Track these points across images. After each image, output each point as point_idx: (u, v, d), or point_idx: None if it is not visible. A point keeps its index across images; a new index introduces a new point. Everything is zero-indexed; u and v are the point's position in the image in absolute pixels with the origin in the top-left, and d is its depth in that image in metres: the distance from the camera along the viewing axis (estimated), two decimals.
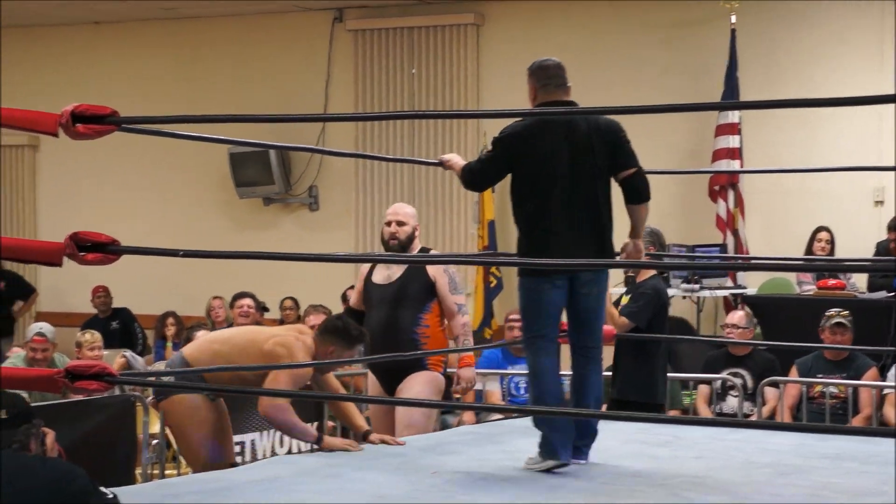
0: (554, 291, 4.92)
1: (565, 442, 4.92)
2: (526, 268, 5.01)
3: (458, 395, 6.82)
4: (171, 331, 10.56)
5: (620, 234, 5.07)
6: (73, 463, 3.90)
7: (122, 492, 3.93)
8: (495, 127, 11.17)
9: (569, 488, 4.69)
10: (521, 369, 8.01)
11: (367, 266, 6.54)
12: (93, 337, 8.44)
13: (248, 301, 9.66)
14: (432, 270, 6.33)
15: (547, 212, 4.88)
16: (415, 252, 6.42)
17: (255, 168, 11.48)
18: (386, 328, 6.27)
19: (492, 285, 10.60)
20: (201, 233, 11.53)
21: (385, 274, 6.41)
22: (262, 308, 10.33)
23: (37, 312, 11.82)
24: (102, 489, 3.79)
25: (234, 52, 11.86)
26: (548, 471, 4.88)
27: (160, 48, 12.13)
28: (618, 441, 5.64)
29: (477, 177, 5.12)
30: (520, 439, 5.64)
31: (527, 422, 6.10)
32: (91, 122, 4.15)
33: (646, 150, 5.25)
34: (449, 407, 7.33)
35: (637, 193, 5.02)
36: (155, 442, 6.54)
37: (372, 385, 6.47)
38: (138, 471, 6.32)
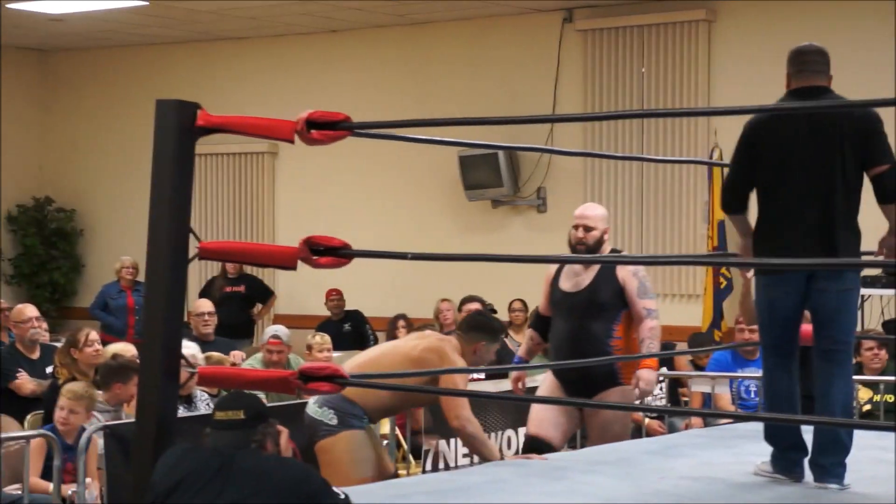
0: (784, 295, 4.64)
1: (799, 458, 4.73)
2: (759, 267, 4.80)
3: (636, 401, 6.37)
4: (402, 333, 10.74)
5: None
6: (306, 463, 4.00)
7: (351, 491, 4.01)
8: (726, 125, 11.01)
9: (801, 495, 4.57)
10: (752, 372, 7.85)
11: (552, 270, 6.25)
12: (322, 339, 8.65)
13: (475, 306, 9.71)
14: (622, 274, 6.03)
15: (777, 205, 4.64)
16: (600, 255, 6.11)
17: (484, 170, 11.56)
18: (576, 339, 6.02)
19: (721, 286, 10.38)
20: (431, 236, 11.69)
21: (573, 281, 6.11)
22: (490, 310, 10.41)
23: (274, 315, 12.19)
24: (335, 489, 3.87)
25: (464, 54, 11.98)
26: None
27: (392, 54, 12.35)
28: (856, 448, 5.46)
29: (728, 185, 4.78)
30: (750, 444, 5.51)
31: (758, 426, 5.98)
32: (325, 128, 4.25)
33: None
34: (654, 411, 7.08)
35: (885, 192, 4.65)
36: (385, 442, 6.65)
37: (552, 391, 6.17)
38: None
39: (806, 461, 4.74)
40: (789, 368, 4.73)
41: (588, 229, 6.12)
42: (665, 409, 4.57)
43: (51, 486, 5.50)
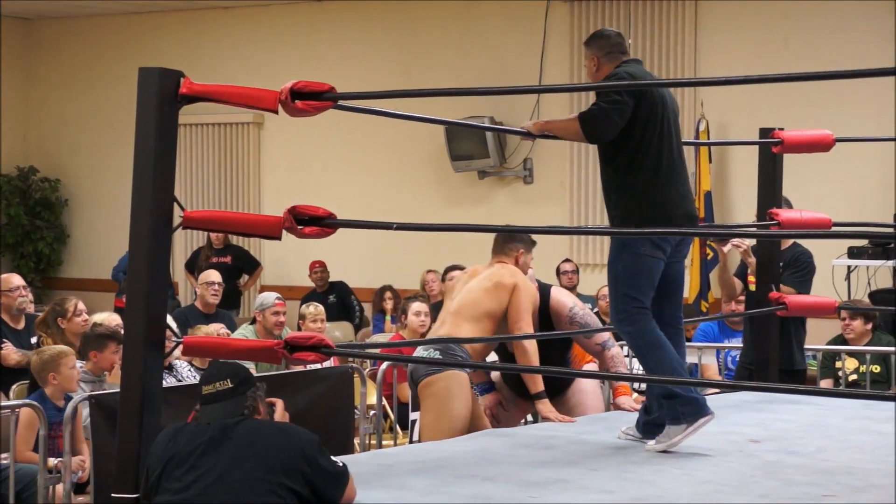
0: (659, 263, 4.78)
1: (703, 396, 4.78)
2: (641, 236, 4.72)
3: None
4: (389, 304, 10.72)
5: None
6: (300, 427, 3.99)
7: (336, 458, 4.00)
8: (712, 96, 11.01)
9: (786, 464, 4.59)
10: (738, 342, 7.87)
11: None
12: (316, 310, 8.62)
13: (458, 273, 9.65)
14: (556, 321, 6.05)
15: (662, 175, 4.72)
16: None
17: (470, 142, 11.53)
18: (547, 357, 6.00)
19: (708, 257, 10.40)
20: (417, 207, 11.67)
21: None
22: None
23: (261, 286, 12.17)
24: (333, 458, 3.88)
25: (451, 25, 11.92)
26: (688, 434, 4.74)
27: (379, 24, 12.28)
28: (842, 417, 5.50)
29: (608, 116, 4.66)
30: (737, 414, 5.56)
31: (741, 396, 6.02)
32: (309, 99, 4.23)
33: None
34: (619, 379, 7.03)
35: None
36: (372, 413, 6.65)
37: (515, 406, 6.27)
38: (356, 440, 6.45)
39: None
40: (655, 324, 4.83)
41: None
42: (646, 378, 4.57)
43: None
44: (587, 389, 6.23)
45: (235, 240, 11.83)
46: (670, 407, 4.73)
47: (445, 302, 6.11)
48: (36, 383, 6.34)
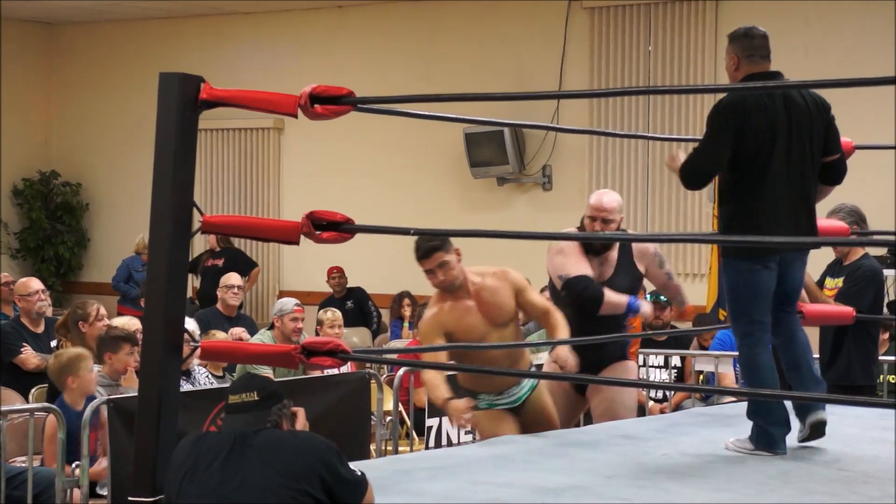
0: (767, 274, 4.73)
1: (784, 434, 4.81)
2: (738, 249, 4.76)
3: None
4: (407, 311, 10.71)
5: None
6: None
7: (354, 466, 4.02)
8: None
9: (801, 473, 4.58)
10: None
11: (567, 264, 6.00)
12: (334, 315, 8.64)
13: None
14: (640, 261, 6.05)
15: (767, 191, 4.67)
16: (616, 247, 6.02)
17: (489, 148, 11.54)
18: (597, 329, 5.86)
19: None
20: (436, 213, 11.68)
21: (594, 273, 5.96)
22: None
23: (280, 291, 12.18)
24: (351, 466, 3.88)
25: (471, 31, 11.94)
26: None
27: (399, 29, 12.32)
28: (859, 427, 5.48)
29: (699, 161, 4.71)
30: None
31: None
32: (328, 103, 4.24)
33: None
34: (659, 387, 7.11)
35: (838, 176, 4.96)
36: (389, 419, 6.66)
37: (556, 383, 6.07)
38: (372, 446, 6.45)
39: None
40: (769, 348, 4.85)
41: (606, 222, 5.95)
42: (665, 385, 4.56)
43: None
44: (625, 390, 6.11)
45: (236, 242, 11.83)
46: (753, 426, 4.84)
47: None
48: (56, 389, 6.36)
